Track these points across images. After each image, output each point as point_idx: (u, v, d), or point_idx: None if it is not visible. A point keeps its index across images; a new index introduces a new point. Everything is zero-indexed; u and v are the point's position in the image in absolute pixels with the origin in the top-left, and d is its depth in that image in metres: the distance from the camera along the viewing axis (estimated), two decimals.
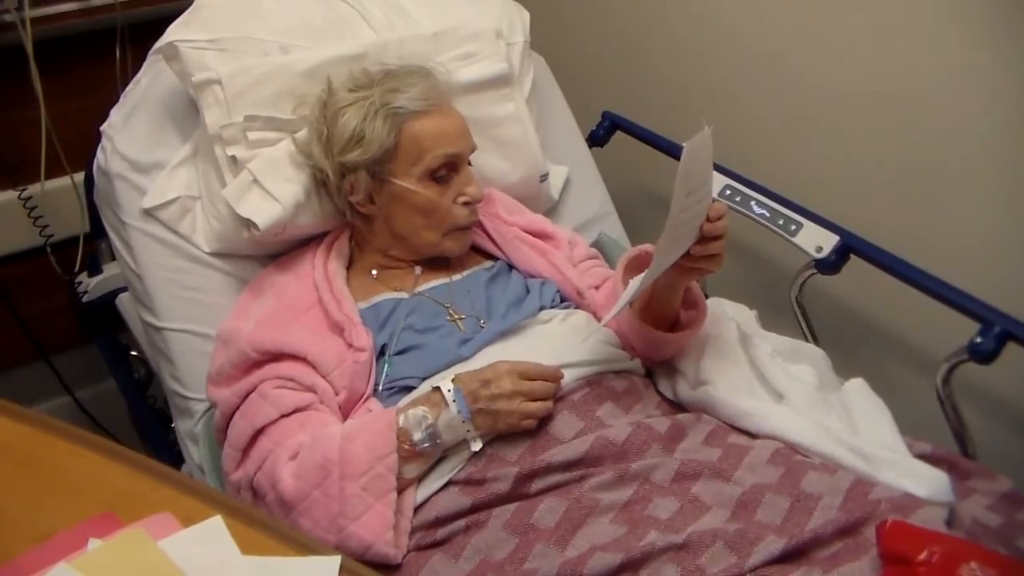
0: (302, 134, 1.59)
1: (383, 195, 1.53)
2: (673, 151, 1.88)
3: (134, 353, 2.03)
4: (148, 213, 1.64)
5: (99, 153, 1.68)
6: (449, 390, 1.32)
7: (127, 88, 1.73)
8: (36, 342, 2.25)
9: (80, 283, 2.11)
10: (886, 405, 1.45)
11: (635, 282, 1.38)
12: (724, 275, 1.46)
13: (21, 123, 2.07)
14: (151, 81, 1.71)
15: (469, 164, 1.57)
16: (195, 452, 1.60)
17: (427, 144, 1.51)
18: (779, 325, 1.66)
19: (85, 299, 2.09)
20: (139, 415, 2.06)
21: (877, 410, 1.44)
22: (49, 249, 2.19)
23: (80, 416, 2.35)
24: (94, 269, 2.10)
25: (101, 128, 1.69)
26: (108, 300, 2.00)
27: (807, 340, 1.75)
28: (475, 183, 1.55)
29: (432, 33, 1.76)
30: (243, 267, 1.65)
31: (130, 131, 1.68)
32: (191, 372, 1.59)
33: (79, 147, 1.87)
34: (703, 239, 1.35)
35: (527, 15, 1.93)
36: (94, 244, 2.07)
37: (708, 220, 1.34)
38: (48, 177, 2.12)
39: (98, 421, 2.35)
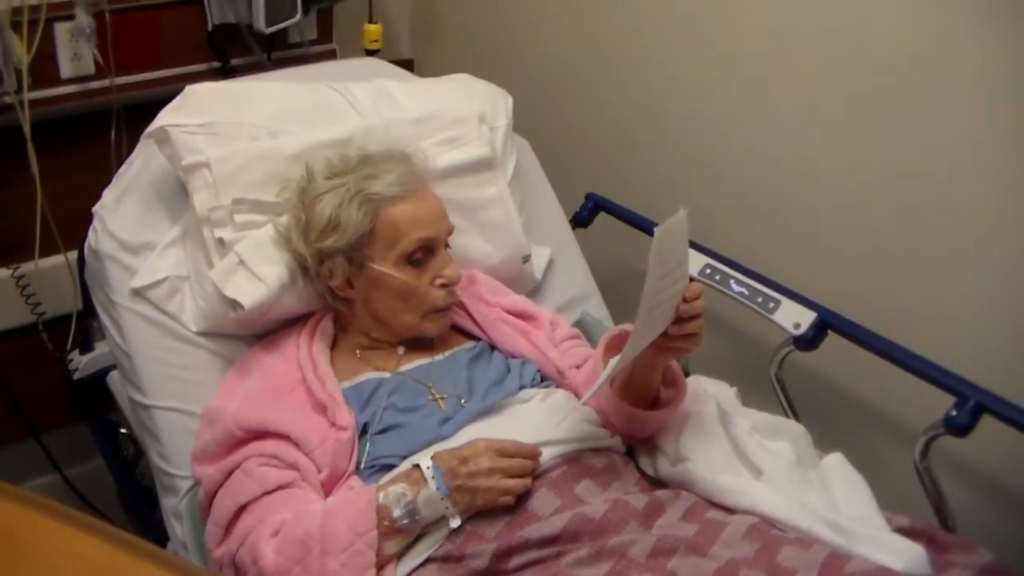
0: (283, 219, 1.62)
1: (361, 279, 1.56)
2: None
3: (123, 431, 2.02)
4: (137, 293, 1.65)
5: (90, 233, 1.71)
6: (428, 467, 1.33)
7: (119, 170, 1.76)
8: (26, 419, 2.24)
9: (71, 360, 2.12)
10: (865, 479, 1.45)
11: (613, 362, 1.40)
12: (705, 352, 1.47)
13: (17, 202, 2.08)
14: (143, 164, 1.74)
15: (447, 246, 1.60)
16: (179, 529, 1.59)
17: (402, 228, 1.53)
18: (760, 401, 1.68)
19: (76, 376, 2.09)
20: (126, 493, 2.05)
21: (855, 485, 1.45)
22: (41, 327, 2.19)
23: (69, 494, 2.34)
24: (86, 347, 2.11)
25: (93, 209, 1.71)
26: (99, 378, 2.00)
27: (787, 416, 1.76)
28: (452, 265, 1.58)
29: (416, 118, 1.80)
30: (230, 346, 1.66)
31: (121, 212, 1.70)
32: (177, 449, 1.60)
33: (74, 226, 1.89)
34: (680, 319, 1.36)
35: (510, 100, 1.96)
36: (86, 322, 2.07)
37: (684, 300, 1.35)
38: (42, 255, 2.13)
39: (86, 499, 2.33)
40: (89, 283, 1.76)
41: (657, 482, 1.50)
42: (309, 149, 1.67)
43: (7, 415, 2.22)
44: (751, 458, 1.48)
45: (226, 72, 2.30)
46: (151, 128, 1.67)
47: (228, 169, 1.62)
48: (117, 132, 2.17)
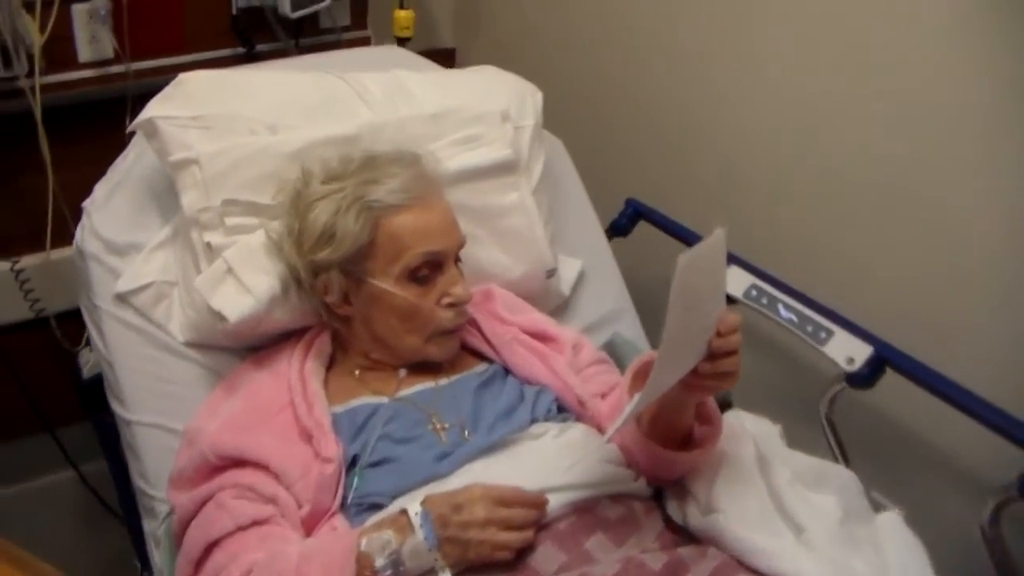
0: (275, 225, 1.51)
1: (360, 296, 1.44)
2: None
3: None
4: (121, 298, 1.56)
5: (78, 231, 1.62)
6: (417, 513, 1.20)
7: (114, 163, 1.67)
8: (40, 414, 2.20)
9: (81, 356, 2.04)
10: (922, 540, 1.31)
11: (638, 396, 1.25)
12: (749, 383, 1.32)
13: (29, 191, 2.03)
14: (136, 157, 1.65)
15: (458, 261, 1.47)
16: (156, 555, 1.49)
17: (406, 241, 1.41)
18: (808, 440, 1.52)
19: (86, 374, 2.01)
20: (125, 500, 1.96)
21: (911, 550, 1.31)
22: (54, 321, 2.14)
23: (83, 490, 2.30)
24: None
25: (83, 204, 1.63)
26: None
27: (837, 460, 1.61)
28: (462, 283, 1.45)
29: (432, 114, 1.68)
30: (220, 359, 1.56)
31: (110, 209, 1.61)
32: (157, 470, 1.49)
33: None
34: (712, 355, 1.21)
35: (539, 95, 1.83)
36: None
37: (719, 334, 1.20)
38: (55, 246, 2.07)
39: (100, 497, 2.29)
40: (77, 284, 1.66)
41: (684, 532, 1.35)
42: (311, 146, 1.55)
43: (22, 410, 2.18)
44: (791, 513, 1.32)
45: (251, 59, 2.22)
46: (138, 119, 1.57)
47: (220, 166, 1.51)
48: (132, 120, 2.08)
